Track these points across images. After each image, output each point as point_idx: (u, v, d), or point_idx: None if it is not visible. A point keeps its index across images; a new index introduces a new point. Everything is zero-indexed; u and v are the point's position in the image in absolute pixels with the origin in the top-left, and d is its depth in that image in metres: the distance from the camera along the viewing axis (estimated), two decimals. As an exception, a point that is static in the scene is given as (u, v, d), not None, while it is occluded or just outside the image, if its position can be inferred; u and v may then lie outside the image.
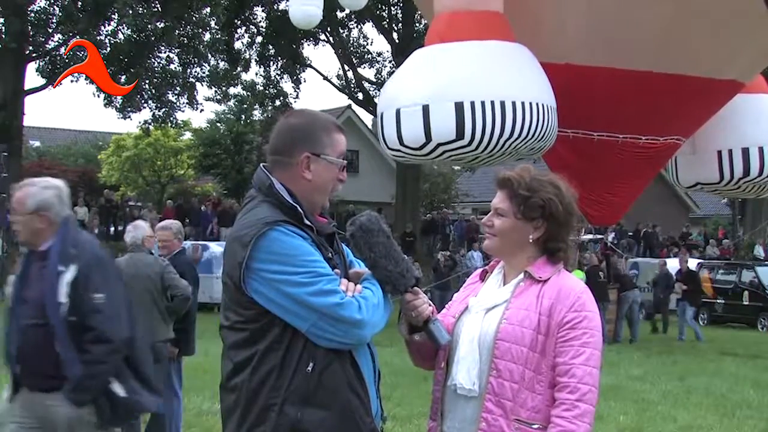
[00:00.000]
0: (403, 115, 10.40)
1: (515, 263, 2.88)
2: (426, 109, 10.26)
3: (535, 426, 2.71)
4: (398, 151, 10.87)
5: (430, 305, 2.81)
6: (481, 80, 10.37)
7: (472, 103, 10.24)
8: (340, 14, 32.00)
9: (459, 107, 10.22)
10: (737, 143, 12.72)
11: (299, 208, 2.71)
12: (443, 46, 10.69)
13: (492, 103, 10.30)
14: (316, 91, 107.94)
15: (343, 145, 2.83)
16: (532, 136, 10.59)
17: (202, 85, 31.71)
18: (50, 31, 28.84)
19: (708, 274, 25.00)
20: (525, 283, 2.83)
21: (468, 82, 10.33)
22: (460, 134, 10.28)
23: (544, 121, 10.67)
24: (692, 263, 23.91)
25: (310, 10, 11.38)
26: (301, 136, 2.78)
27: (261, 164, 2.87)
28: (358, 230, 2.72)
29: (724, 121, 12.68)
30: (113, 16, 27.84)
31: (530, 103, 10.49)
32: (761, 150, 12.66)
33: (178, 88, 30.32)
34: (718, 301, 24.56)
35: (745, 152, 12.70)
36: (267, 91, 35.27)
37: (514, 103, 10.39)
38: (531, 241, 2.85)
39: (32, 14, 28.24)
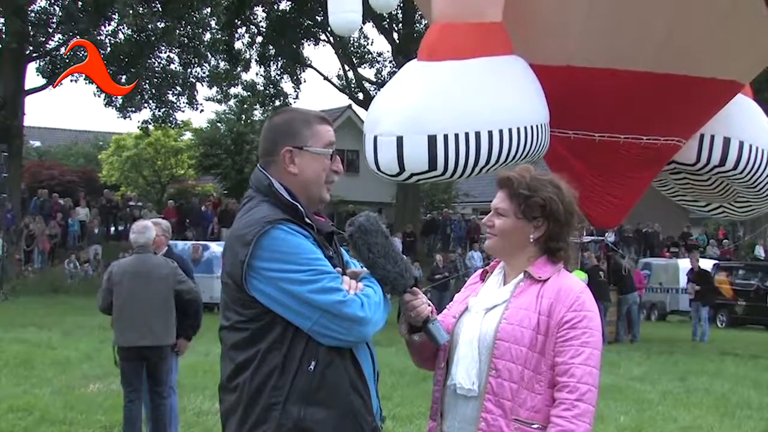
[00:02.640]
0: (379, 144, 10.51)
1: (516, 263, 2.87)
2: (400, 141, 10.33)
3: (535, 426, 2.70)
4: (377, 173, 11.04)
5: (429, 305, 2.80)
6: (458, 109, 10.37)
7: (446, 137, 10.28)
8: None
9: (432, 140, 10.28)
10: (721, 131, 12.74)
11: (299, 207, 2.71)
12: (425, 67, 10.67)
13: (466, 135, 10.34)
14: (317, 91, 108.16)
15: (328, 135, 2.80)
16: (513, 157, 10.65)
17: (203, 85, 31.76)
18: (50, 31, 28.86)
19: (726, 276, 24.76)
20: (525, 282, 2.81)
21: (442, 113, 10.34)
22: (432, 166, 10.39)
23: (526, 143, 10.67)
24: (707, 264, 23.92)
25: (351, 17, 11.43)
26: (281, 132, 2.78)
27: (258, 164, 2.86)
28: (356, 231, 2.71)
29: None
30: (113, 16, 27.87)
31: (509, 129, 10.50)
32: (741, 144, 12.68)
33: (178, 88, 30.34)
34: (738, 303, 24.32)
35: (726, 142, 12.72)
36: (267, 91, 35.30)
37: (490, 133, 10.40)
38: (532, 240, 2.83)
39: (33, 14, 28.25)
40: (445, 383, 2.85)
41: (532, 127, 10.73)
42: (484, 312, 2.83)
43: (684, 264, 26.02)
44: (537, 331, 2.72)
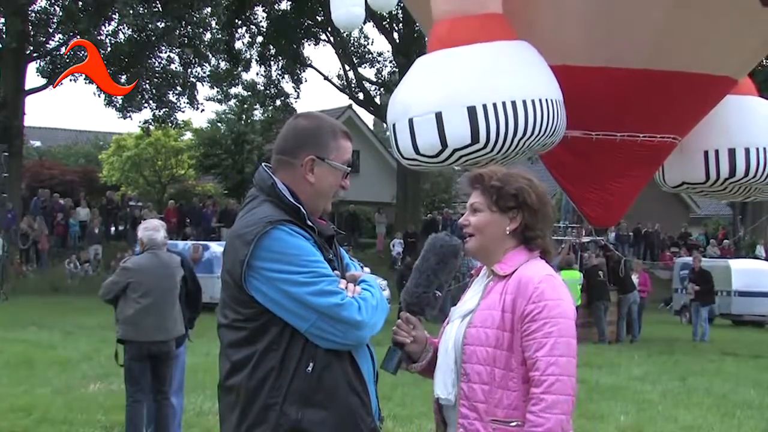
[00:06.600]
0: (417, 125, 10.41)
1: (496, 260, 2.85)
2: (439, 116, 10.26)
3: (513, 423, 2.69)
4: (414, 160, 10.90)
5: (410, 339, 2.84)
6: (491, 81, 10.36)
7: (485, 106, 10.25)
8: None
9: (472, 111, 10.23)
10: (724, 144, 12.67)
11: (302, 209, 2.72)
12: (448, 51, 10.66)
13: (504, 104, 10.31)
14: (317, 91, 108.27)
15: (349, 151, 2.83)
16: (544, 132, 10.62)
17: (203, 85, 31.77)
18: (51, 31, 28.87)
19: None
20: (493, 281, 2.82)
21: (478, 85, 10.31)
22: (475, 138, 10.30)
23: (554, 115, 10.70)
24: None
25: (355, 11, 11.39)
26: (308, 138, 2.79)
27: (263, 163, 2.87)
28: (430, 239, 2.87)
29: (711, 121, 12.64)
30: (114, 16, 27.88)
31: (540, 100, 10.49)
32: (747, 151, 12.61)
33: (178, 88, 30.33)
34: None
35: (732, 153, 12.64)
36: (268, 91, 35.27)
37: (525, 102, 10.40)
38: (508, 233, 2.83)
39: (33, 14, 28.26)
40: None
41: (557, 102, 10.76)
42: (460, 320, 2.84)
43: (736, 265, 24.53)
44: (502, 329, 2.71)
